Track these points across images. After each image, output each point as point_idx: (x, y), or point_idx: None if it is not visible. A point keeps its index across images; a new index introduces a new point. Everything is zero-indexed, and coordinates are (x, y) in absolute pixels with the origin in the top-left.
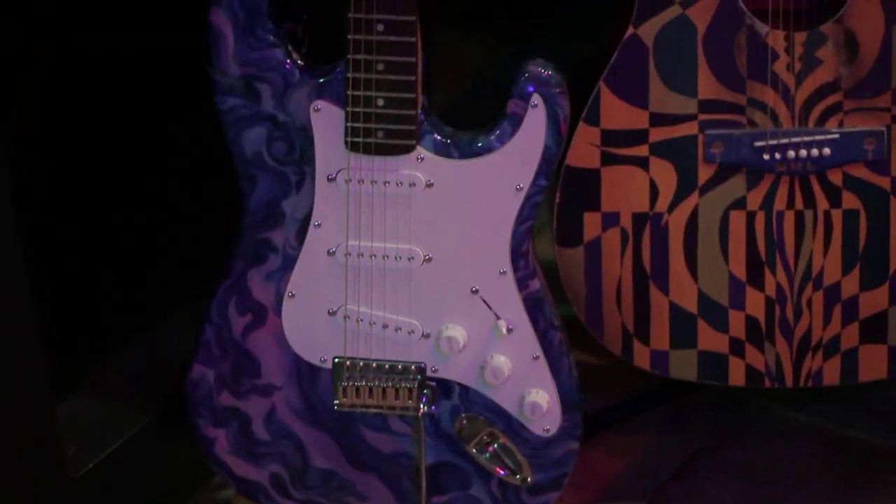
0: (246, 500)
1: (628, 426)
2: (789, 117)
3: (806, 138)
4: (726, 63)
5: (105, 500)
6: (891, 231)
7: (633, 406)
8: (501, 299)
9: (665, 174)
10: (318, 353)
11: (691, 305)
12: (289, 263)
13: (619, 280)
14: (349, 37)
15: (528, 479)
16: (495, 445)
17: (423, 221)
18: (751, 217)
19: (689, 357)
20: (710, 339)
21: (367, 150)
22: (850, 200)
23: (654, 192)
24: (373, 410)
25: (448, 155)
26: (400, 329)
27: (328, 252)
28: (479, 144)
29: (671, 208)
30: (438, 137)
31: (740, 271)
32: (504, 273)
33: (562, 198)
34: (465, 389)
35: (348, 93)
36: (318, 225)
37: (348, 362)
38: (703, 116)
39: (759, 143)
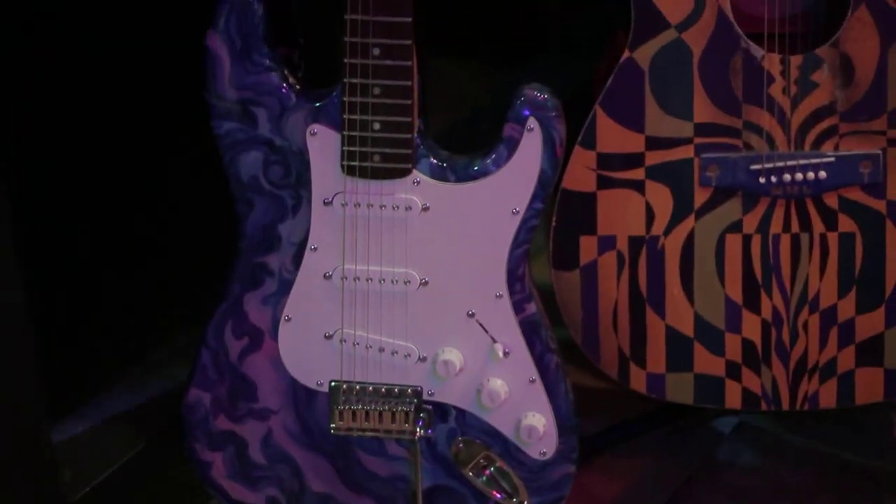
0: None
1: (625, 449)
2: (785, 141)
3: (802, 162)
4: (722, 86)
5: None
6: (887, 254)
7: (629, 429)
8: (498, 323)
9: (661, 198)
10: (314, 377)
11: (687, 329)
12: (285, 287)
13: (616, 303)
14: (345, 61)
15: (525, 503)
16: (492, 469)
17: (419, 245)
18: (747, 240)
19: (685, 380)
20: (706, 362)
21: (364, 173)
22: (846, 223)
23: (650, 216)
24: (369, 434)
25: (444, 178)
26: (396, 353)
27: (324, 276)
28: (476, 168)
29: (667, 232)
30: (435, 161)
31: (736, 294)
32: (500, 296)
33: (558, 221)
34: (461, 413)
35: (345, 117)
36: (315, 249)
37: (345, 386)
38: (698, 140)
39: (755, 167)
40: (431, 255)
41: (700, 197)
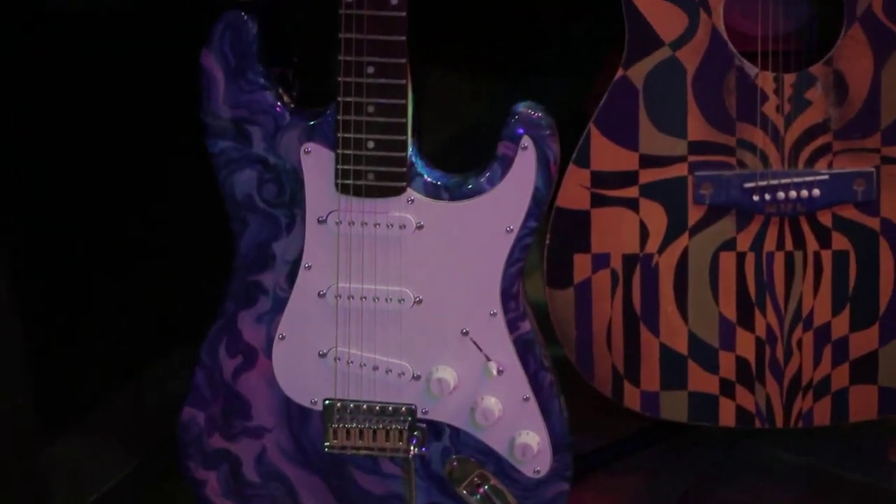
0: None
1: (619, 467)
2: (779, 158)
3: (795, 179)
4: (716, 105)
5: None
6: (880, 271)
7: (623, 447)
8: (492, 341)
9: (655, 215)
10: (308, 395)
11: (682, 346)
12: (279, 305)
13: (610, 321)
14: (339, 79)
15: None
16: (486, 487)
17: (413, 263)
18: (741, 258)
19: (679, 398)
20: (700, 380)
21: (358, 192)
22: (839, 241)
23: (644, 234)
24: (363, 452)
25: (438, 197)
26: (390, 371)
27: (318, 294)
28: (470, 186)
29: (661, 250)
30: (429, 179)
31: (730, 312)
32: (494, 315)
33: (552, 239)
34: (455, 431)
35: (339, 135)
36: (309, 267)
37: (339, 404)
38: (692, 158)
39: (748, 185)
40: (425, 274)
41: (694, 215)
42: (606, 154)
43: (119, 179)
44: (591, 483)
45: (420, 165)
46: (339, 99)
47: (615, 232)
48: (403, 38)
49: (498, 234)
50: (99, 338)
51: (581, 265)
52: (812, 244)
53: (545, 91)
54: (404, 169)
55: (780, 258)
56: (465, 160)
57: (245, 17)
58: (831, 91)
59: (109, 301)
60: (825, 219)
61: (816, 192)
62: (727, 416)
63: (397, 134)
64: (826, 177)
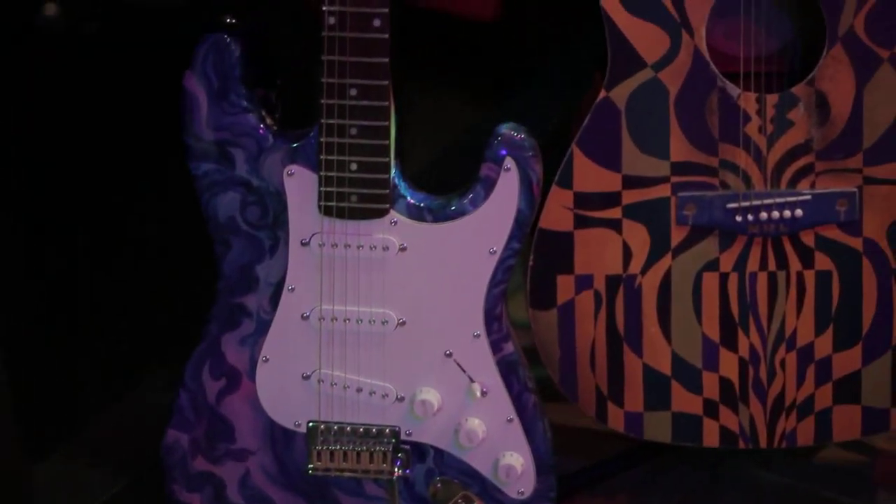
0: None
1: (603, 488)
2: (761, 179)
3: (778, 200)
4: (698, 125)
5: None
6: (863, 292)
7: (607, 468)
8: (475, 362)
9: (638, 236)
10: (292, 418)
11: (665, 367)
12: (263, 328)
13: (593, 342)
14: (322, 101)
15: None
16: None
17: (396, 285)
18: (724, 279)
19: (663, 419)
20: (684, 400)
21: (341, 214)
22: (822, 261)
23: (627, 255)
24: (347, 474)
25: (421, 219)
26: (374, 393)
27: (302, 316)
28: (453, 208)
29: (644, 270)
30: (412, 201)
31: (714, 333)
32: (478, 336)
33: (535, 260)
34: (439, 453)
35: (321, 157)
36: (292, 289)
37: (322, 426)
38: (675, 179)
39: (731, 205)
40: (409, 296)
41: (677, 236)
42: (589, 175)
43: (108, 201)
44: None
45: (403, 187)
46: (322, 121)
47: (598, 253)
48: (386, 60)
49: (481, 256)
50: (87, 359)
51: (564, 286)
52: (795, 264)
53: (528, 112)
54: (387, 191)
55: (763, 278)
56: (447, 182)
57: (228, 40)
58: (813, 111)
59: (97, 323)
60: (808, 239)
61: (799, 212)
62: (711, 436)
63: (380, 156)
64: (809, 197)
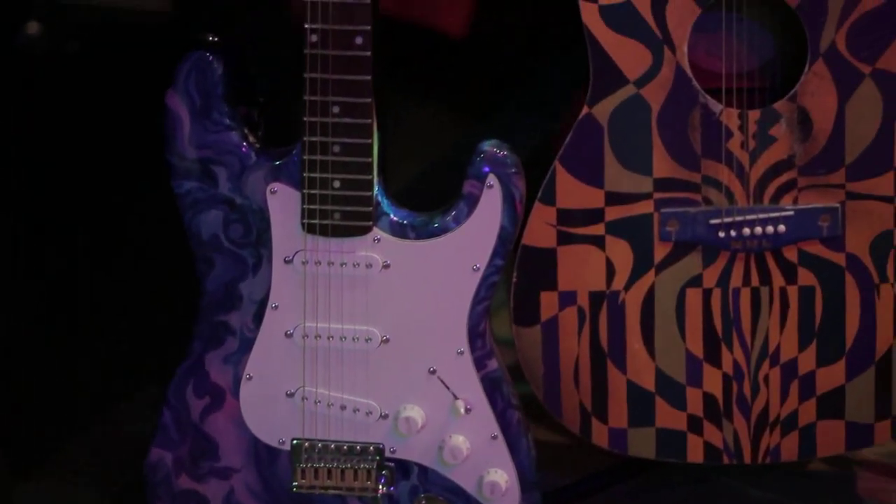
0: None
1: None
2: (744, 195)
3: (761, 216)
4: (681, 142)
5: None
6: (846, 307)
7: (591, 484)
8: (459, 379)
9: (621, 253)
10: (276, 435)
11: (649, 383)
12: (246, 346)
13: (577, 358)
14: (305, 119)
15: None
16: None
17: (380, 302)
18: (707, 294)
19: (647, 435)
20: (668, 416)
21: (324, 231)
22: (805, 277)
23: (610, 271)
24: (332, 492)
25: (404, 236)
26: (358, 410)
27: (286, 334)
28: (436, 225)
29: (628, 286)
30: (395, 218)
31: (697, 349)
32: (462, 353)
33: (518, 277)
34: (423, 470)
35: (305, 175)
36: (276, 307)
37: (307, 444)
38: (658, 195)
39: (714, 221)
40: (392, 313)
41: (660, 252)
42: (572, 191)
43: (93, 218)
44: None
45: (386, 204)
46: (305, 139)
47: (581, 269)
48: (369, 77)
49: (464, 273)
50: (69, 377)
51: (548, 303)
52: (778, 280)
53: (511, 129)
54: (370, 208)
55: (746, 294)
56: (431, 198)
57: (210, 58)
58: (796, 127)
59: (80, 342)
60: (791, 254)
61: (782, 227)
62: (695, 452)
63: (363, 173)
64: (791, 213)
